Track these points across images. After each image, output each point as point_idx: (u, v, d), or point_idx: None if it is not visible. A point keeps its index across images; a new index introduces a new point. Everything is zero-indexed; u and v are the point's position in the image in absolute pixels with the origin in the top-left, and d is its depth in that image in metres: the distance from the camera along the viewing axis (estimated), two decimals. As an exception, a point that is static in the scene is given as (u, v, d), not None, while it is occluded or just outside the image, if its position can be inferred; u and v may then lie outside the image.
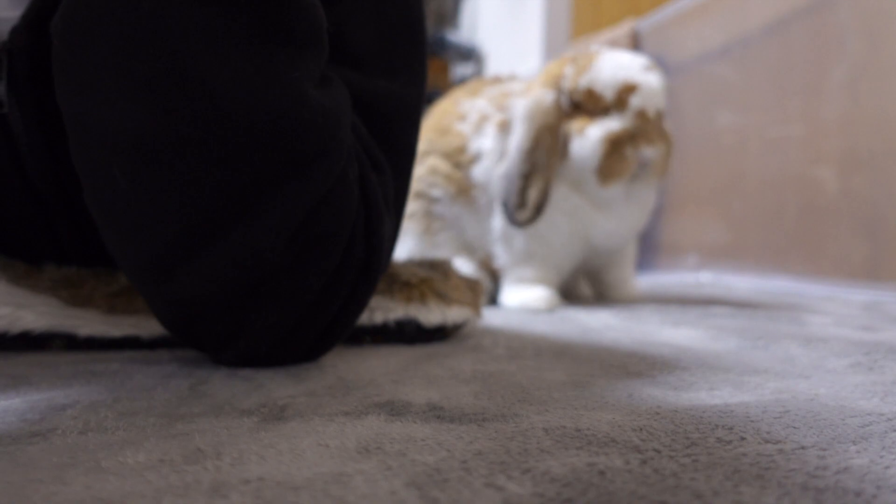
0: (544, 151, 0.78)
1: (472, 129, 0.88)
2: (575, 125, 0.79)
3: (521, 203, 0.79)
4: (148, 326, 0.45)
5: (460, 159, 0.87)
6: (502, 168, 0.81)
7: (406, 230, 0.90)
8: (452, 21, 2.66)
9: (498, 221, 0.85)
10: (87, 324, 0.44)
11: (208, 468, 0.21)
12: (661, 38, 1.45)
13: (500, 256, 0.86)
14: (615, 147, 0.77)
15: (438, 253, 0.90)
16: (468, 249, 0.90)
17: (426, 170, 0.89)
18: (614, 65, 0.79)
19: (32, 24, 0.40)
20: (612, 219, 0.83)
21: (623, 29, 1.50)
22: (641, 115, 0.78)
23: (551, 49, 2.00)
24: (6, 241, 0.48)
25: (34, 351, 0.44)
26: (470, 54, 2.53)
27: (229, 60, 0.31)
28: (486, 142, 0.86)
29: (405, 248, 0.91)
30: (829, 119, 1.07)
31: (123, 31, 0.31)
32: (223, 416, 0.28)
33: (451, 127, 0.90)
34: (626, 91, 0.78)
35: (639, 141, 0.78)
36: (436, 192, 0.88)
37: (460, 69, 2.63)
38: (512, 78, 0.95)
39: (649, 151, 0.78)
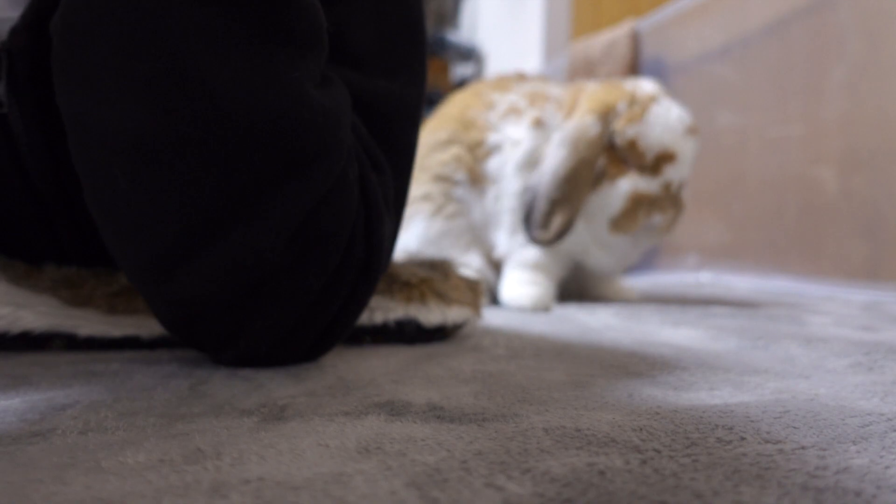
0: (579, 184, 0.80)
1: (498, 119, 0.89)
2: (609, 170, 0.81)
3: (545, 225, 0.80)
4: (148, 326, 0.45)
5: (478, 152, 0.89)
6: (532, 179, 0.83)
7: (418, 212, 0.91)
8: (452, 21, 2.66)
9: (505, 213, 0.85)
10: (87, 324, 0.44)
11: (208, 468, 0.21)
12: (661, 38, 1.45)
13: (502, 245, 0.87)
14: (635, 205, 0.80)
15: (450, 238, 0.91)
16: (478, 242, 0.91)
17: (450, 157, 0.91)
18: (663, 124, 0.80)
19: (32, 24, 0.40)
20: (608, 255, 0.87)
21: (623, 29, 1.50)
22: (667, 186, 0.80)
23: (551, 49, 2.00)
24: (6, 241, 0.48)
25: (34, 351, 0.44)
26: (470, 54, 2.53)
27: (229, 60, 0.31)
28: (510, 130, 0.87)
29: (416, 230, 0.91)
30: (829, 119, 1.07)
31: (123, 31, 0.31)
32: (223, 416, 0.28)
33: (476, 120, 0.91)
34: (665, 159, 0.80)
35: (654, 207, 0.81)
36: (458, 176, 0.90)
37: (460, 69, 2.63)
38: (543, 79, 0.96)
39: (658, 219, 0.82)
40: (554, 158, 0.80)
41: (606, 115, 0.81)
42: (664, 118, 0.80)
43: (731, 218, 1.28)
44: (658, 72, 1.45)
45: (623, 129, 0.80)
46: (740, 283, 1.20)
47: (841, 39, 1.05)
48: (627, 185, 0.80)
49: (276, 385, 0.34)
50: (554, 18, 2.03)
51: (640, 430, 0.26)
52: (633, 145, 0.80)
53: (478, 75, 2.50)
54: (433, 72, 2.52)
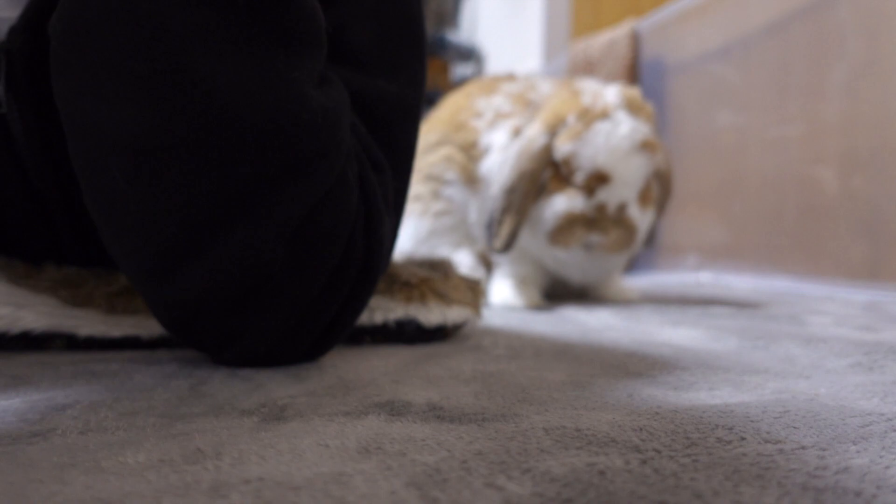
0: (520, 195, 0.80)
1: (486, 126, 0.90)
2: (550, 184, 0.80)
3: (497, 234, 0.82)
4: (148, 326, 0.45)
5: (473, 153, 0.90)
6: (493, 190, 0.84)
7: (409, 213, 0.92)
8: (452, 21, 2.66)
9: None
10: (87, 324, 0.44)
11: (208, 468, 0.21)
12: (661, 38, 1.44)
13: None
14: (570, 223, 0.79)
15: (438, 236, 0.92)
16: (469, 239, 0.92)
17: (440, 157, 0.91)
18: (601, 143, 0.77)
19: (31, 24, 0.40)
20: (561, 266, 0.86)
21: (623, 29, 1.50)
22: (601, 207, 0.78)
23: (551, 49, 2.00)
24: (6, 241, 0.47)
25: (34, 351, 0.44)
26: (470, 54, 2.53)
27: (228, 61, 0.31)
28: (497, 136, 0.87)
29: (407, 231, 0.92)
30: (829, 119, 1.07)
31: (122, 32, 0.30)
32: (223, 416, 0.28)
33: (466, 123, 0.92)
34: (597, 180, 0.78)
35: (592, 227, 0.79)
36: (449, 175, 0.90)
37: (460, 69, 2.63)
38: (528, 79, 0.97)
39: (595, 239, 0.80)
40: (503, 169, 0.82)
41: (554, 128, 0.80)
42: (605, 136, 0.78)
43: (731, 218, 1.28)
44: (658, 72, 1.45)
45: (560, 146, 0.79)
46: (740, 283, 1.20)
47: (841, 39, 1.05)
48: (562, 202, 0.79)
49: (276, 385, 0.34)
50: (554, 18, 2.03)
51: (640, 430, 0.26)
52: (567, 162, 0.79)
53: (478, 75, 2.49)
54: (433, 72, 2.52)
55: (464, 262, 0.90)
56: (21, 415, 0.28)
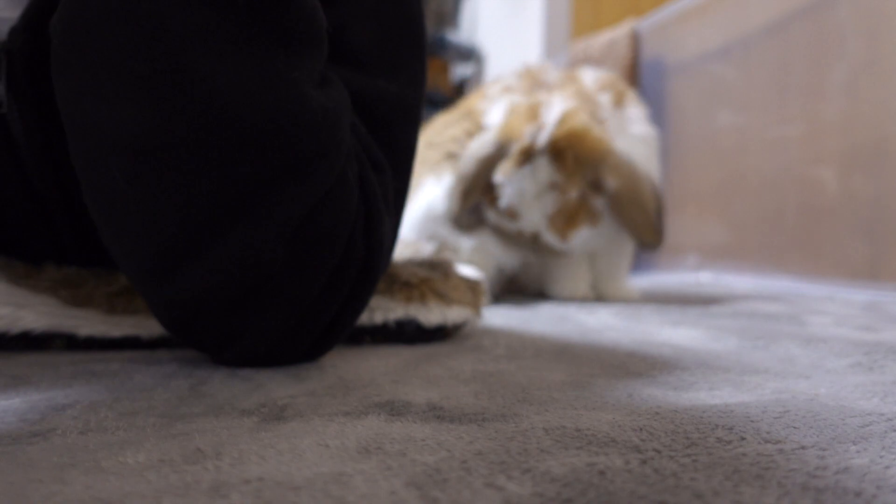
0: (459, 193, 0.90)
1: (489, 104, 0.95)
2: (490, 194, 0.87)
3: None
4: (148, 326, 0.45)
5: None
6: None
7: (442, 171, 0.96)
8: (452, 21, 2.66)
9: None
10: (87, 324, 0.44)
11: (208, 468, 0.21)
12: (661, 38, 1.45)
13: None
14: (503, 234, 0.90)
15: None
16: None
17: (461, 131, 0.97)
18: (516, 188, 0.85)
19: (32, 24, 0.40)
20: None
21: (623, 29, 1.50)
22: (520, 234, 0.88)
23: (551, 49, 2.00)
24: (6, 241, 0.48)
25: (34, 351, 0.44)
26: (470, 54, 2.53)
27: (229, 61, 0.31)
28: (494, 112, 0.93)
29: (438, 189, 0.96)
30: (829, 119, 1.07)
31: (122, 32, 0.30)
32: (223, 416, 0.28)
33: (473, 107, 0.98)
34: (510, 213, 0.88)
35: (520, 241, 0.90)
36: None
37: (460, 69, 2.63)
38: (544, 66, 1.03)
39: (530, 252, 0.93)
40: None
41: (503, 145, 0.87)
42: (520, 182, 0.84)
43: (731, 218, 1.28)
44: (658, 72, 1.45)
45: (496, 175, 0.86)
46: (740, 283, 1.20)
47: (841, 39, 1.05)
48: (493, 217, 0.89)
49: (276, 385, 0.34)
50: (554, 18, 2.03)
51: (640, 430, 0.26)
52: (496, 189, 0.86)
53: (478, 75, 2.50)
54: (433, 72, 2.52)
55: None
56: (21, 415, 0.28)
